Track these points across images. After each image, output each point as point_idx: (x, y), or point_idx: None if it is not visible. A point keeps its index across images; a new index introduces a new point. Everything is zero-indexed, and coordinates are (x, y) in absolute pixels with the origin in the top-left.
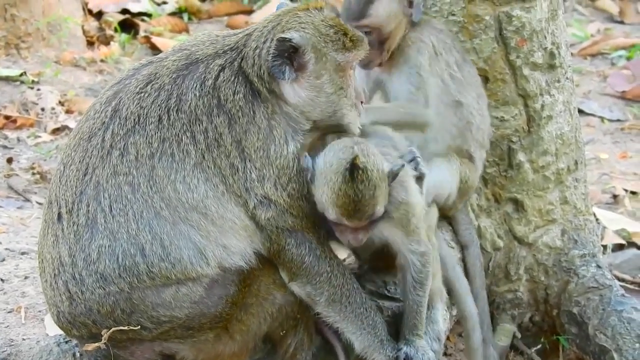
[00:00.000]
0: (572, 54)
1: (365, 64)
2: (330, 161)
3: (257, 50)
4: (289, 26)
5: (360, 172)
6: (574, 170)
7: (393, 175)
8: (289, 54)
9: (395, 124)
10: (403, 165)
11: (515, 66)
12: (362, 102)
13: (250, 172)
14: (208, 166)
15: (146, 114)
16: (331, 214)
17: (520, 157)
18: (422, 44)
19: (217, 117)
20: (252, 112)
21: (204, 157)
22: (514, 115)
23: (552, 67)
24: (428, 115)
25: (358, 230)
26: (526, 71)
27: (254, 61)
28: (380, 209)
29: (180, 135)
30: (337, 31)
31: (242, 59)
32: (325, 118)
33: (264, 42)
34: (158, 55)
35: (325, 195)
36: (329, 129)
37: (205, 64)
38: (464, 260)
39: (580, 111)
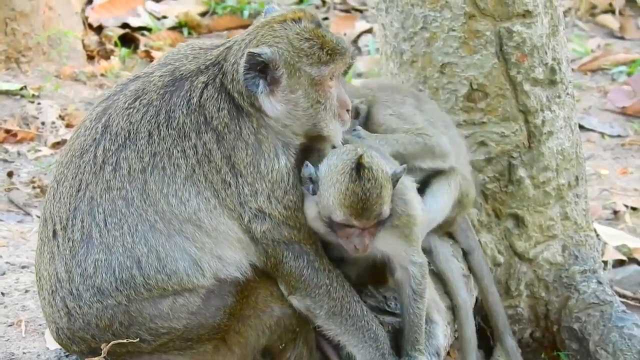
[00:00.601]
0: (572, 69)
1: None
2: (335, 164)
3: (235, 65)
4: (263, 40)
5: (366, 170)
6: (575, 186)
7: (396, 178)
8: (262, 68)
9: (416, 155)
10: (405, 169)
11: (515, 82)
12: (347, 110)
13: (242, 187)
14: (199, 180)
15: (136, 129)
16: (339, 215)
17: (521, 172)
18: (384, 125)
19: (205, 134)
20: (238, 128)
21: (194, 171)
22: (514, 130)
23: (552, 82)
24: (445, 143)
25: (364, 233)
26: (527, 87)
27: (233, 76)
28: (386, 210)
29: (171, 150)
30: (312, 45)
31: (223, 75)
32: (308, 131)
33: (241, 57)
34: (144, 70)
35: (332, 197)
36: (318, 141)
37: (190, 80)
38: (469, 265)
39: (581, 127)
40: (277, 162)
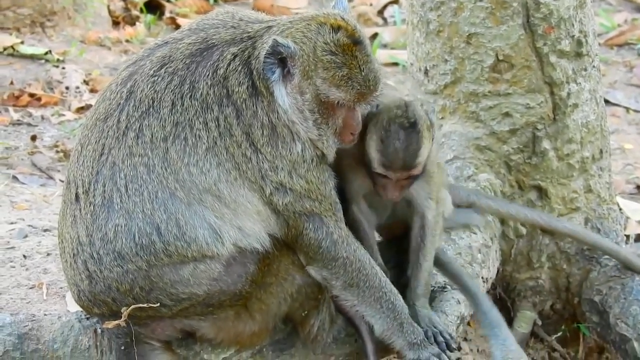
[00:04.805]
0: (598, 43)
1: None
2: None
3: (265, 45)
4: (295, 34)
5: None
6: (599, 159)
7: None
8: (282, 58)
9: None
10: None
11: (542, 53)
12: (352, 133)
13: (262, 162)
14: (220, 152)
15: (160, 97)
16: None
17: (545, 144)
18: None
19: (227, 107)
20: (254, 106)
21: (215, 143)
22: (539, 102)
23: (579, 55)
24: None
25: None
26: (553, 59)
27: (259, 54)
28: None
29: (193, 121)
30: (332, 61)
31: (253, 49)
32: (313, 139)
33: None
34: (174, 35)
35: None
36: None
37: (220, 51)
38: None
39: (606, 101)
40: (295, 145)
